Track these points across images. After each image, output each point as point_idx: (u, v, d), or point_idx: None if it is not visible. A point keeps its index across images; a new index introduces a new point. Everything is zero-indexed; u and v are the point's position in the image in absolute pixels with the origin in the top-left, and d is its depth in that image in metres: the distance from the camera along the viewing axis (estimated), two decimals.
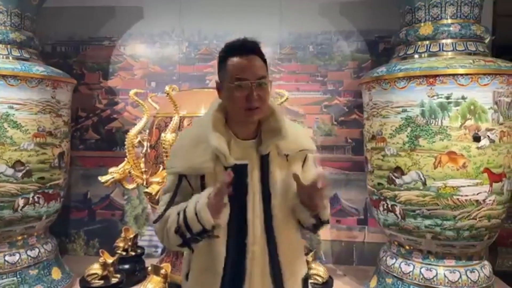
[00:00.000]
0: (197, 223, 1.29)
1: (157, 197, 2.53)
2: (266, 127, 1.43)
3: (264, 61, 1.41)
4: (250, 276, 1.40)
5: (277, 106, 1.47)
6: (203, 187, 1.38)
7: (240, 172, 1.36)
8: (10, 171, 2.82)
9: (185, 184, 1.41)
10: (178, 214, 1.34)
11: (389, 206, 2.85)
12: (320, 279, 2.97)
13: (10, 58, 2.97)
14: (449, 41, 2.77)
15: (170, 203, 1.41)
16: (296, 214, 1.45)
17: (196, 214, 1.28)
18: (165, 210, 1.40)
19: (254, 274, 1.40)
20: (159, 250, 3.94)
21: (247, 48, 1.38)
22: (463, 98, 2.58)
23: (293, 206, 1.44)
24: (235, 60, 1.36)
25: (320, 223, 1.44)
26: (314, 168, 1.57)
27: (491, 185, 2.61)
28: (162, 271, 2.62)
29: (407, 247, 2.92)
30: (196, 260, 1.44)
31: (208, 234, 1.31)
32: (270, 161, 1.41)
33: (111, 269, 2.90)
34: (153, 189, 2.51)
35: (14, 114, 2.83)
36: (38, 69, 2.97)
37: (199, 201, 1.30)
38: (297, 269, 1.49)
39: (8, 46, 2.99)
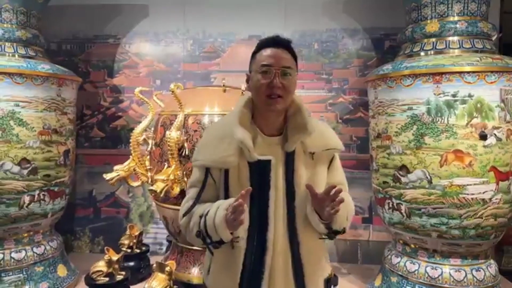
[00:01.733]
0: (215, 234, 1.31)
1: (161, 195, 2.53)
2: (292, 123, 1.44)
3: (294, 57, 1.46)
4: (270, 272, 1.40)
5: (303, 103, 1.48)
6: (226, 182, 1.41)
7: (263, 167, 1.39)
8: (16, 169, 2.84)
9: (210, 179, 1.44)
10: (200, 217, 1.37)
11: (395, 204, 2.84)
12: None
13: (16, 56, 2.99)
14: (455, 38, 2.75)
15: (197, 199, 1.43)
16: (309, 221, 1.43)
17: (214, 226, 1.30)
18: (192, 206, 1.42)
19: (275, 270, 1.40)
20: (164, 248, 3.95)
21: (277, 42, 1.44)
22: (470, 96, 2.56)
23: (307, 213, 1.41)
24: (264, 50, 1.44)
25: (332, 232, 1.41)
26: (341, 169, 1.56)
27: (497, 184, 2.59)
28: (167, 269, 2.62)
29: (413, 246, 2.90)
30: (217, 254, 1.43)
31: (228, 243, 1.34)
32: (295, 158, 1.42)
33: (116, 266, 2.91)
34: (158, 186, 2.51)
35: (20, 112, 2.84)
36: (44, 67, 2.98)
37: (218, 213, 1.30)
38: (319, 268, 1.49)
39: (14, 44, 3.01)
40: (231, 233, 1.32)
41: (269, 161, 1.40)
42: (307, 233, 1.43)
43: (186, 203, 1.47)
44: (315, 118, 1.51)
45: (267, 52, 1.42)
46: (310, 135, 1.41)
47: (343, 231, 1.43)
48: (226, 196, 1.41)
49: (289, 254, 1.41)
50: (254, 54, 1.47)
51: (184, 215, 1.44)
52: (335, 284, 3.06)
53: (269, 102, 1.38)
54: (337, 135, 1.55)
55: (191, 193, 1.47)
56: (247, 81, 1.49)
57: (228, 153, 1.38)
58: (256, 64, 1.43)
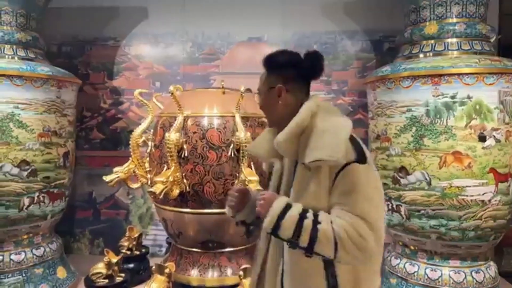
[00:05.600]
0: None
1: (161, 197, 2.53)
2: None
3: (275, 68, 1.44)
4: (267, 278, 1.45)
5: (314, 118, 1.34)
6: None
7: (277, 172, 1.52)
8: (15, 171, 2.84)
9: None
10: None
11: (394, 206, 2.84)
12: None
13: (16, 58, 2.99)
14: (454, 40, 2.76)
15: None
16: None
17: None
18: None
19: (268, 277, 1.44)
20: (164, 250, 3.95)
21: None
22: (469, 97, 2.56)
23: None
24: None
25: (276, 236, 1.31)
26: (346, 185, 1.27)
27: (496, 185, 2.59)
28: (167, 271, 2.63)
29: (412, 248, 2.90)
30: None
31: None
32: (297, 168, 1.38)
33: (116, 268, 2.91)
34: (157, 188, 2.51)
35: (19, 114, 2.85)
36: (43, 69, 2.99)
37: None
38: (300, 286, 1.35)
39: (14, 46, 3.01)
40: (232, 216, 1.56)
41: (282, 167, 1.49)
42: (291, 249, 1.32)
43: None
44: (330, 120, 1.34)
45: None
46: (305, 150, 1.29)
47: (289, 242, 1.27)
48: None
49: (279, 267, 1.39)
50: None
51: None
52: None
53: None
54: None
55: None
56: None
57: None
58: None
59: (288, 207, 1.27)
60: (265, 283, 1.43)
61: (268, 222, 1.27)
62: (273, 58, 1.44)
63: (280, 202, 1.29)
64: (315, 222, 1.23)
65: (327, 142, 1.26)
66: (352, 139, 1.32)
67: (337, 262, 1.26)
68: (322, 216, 1.25)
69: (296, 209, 1.27)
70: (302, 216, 1.25)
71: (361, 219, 1.22)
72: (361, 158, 1.29)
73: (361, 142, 1.36)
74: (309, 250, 1.23)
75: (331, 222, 1.23)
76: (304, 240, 1.22)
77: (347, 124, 1.32)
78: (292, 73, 1.41)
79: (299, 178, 1.35)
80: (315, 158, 1.25)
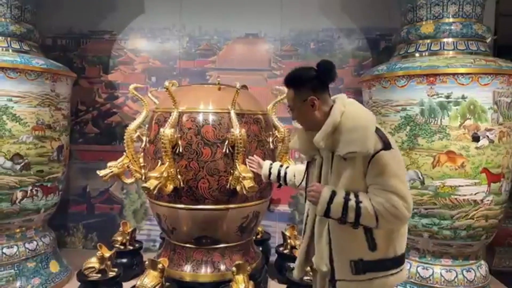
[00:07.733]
0: None
1: (154, 192, 2.52)
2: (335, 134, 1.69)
3: (297, 85, 1.71)
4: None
5: (344, 116, 1.64)
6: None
7: (316, 163, 1.80)
8: (8, 164, 2.83)
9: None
10: None
11: None
12: None
13: (10, 50, 2.97)
14: (450, 40, 2.77)
15: None
16: None
17: None
18: None
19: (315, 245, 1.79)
20: (157, 245, 3.95)
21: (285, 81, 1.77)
22: (463, 97, 2.57)
23: None
24: None
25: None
26: (378, 169, 1.57)
27: (489, 185, 2.62)
28: (160, 266, 2.62)
29: None
30: None
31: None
32: (334, 158, 1.67)
33: (109, 263, 2.90)
34: (151, 184, 2.50)
35: (13, 107, 2.83)
36: (38, 62, 2.97)
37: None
38: (345, 251, 1.67)
39: (8, 38, 2.99)
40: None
41: (319, 158, 1.77)
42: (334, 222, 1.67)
43: None
44: (358, 117, 1.63)
45: None
46: (339, 143, 1.61)
47: (339, 220, 1.61)
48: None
49: (325, 237, 1.71)
50: None
51: None
52: None
53: None
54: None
55: None
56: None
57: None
58: None
59: (334, 193, 1.59)
60: (312, 250, 1.79)
61: (320, 208, 1.61)
62: (296, 76, 1.72)
63: (327, 191, 1.60)
64: (357, 202, 1.56)
65: (358, 137, 1.57)
66: (377, 130, 1.62)
67: (379, 229, 1.59)
68: (361, 196, 1.57)
69: (341, 194, 1.58)
70: (346, 199, 1.57)
71: (393, 193, 1.53)
72: (386, 146, 1.59)
73: (384, 131, 1.65)
74: (356, 224, 1.58)
75: (370, 200, 1.55)
76: (351, 217, 1.56)
77: (371, 119, 1.65)
78: (316, 83, 1.68)
79: (336, 166, 1.66)
80: (349, 151, 1.57)
